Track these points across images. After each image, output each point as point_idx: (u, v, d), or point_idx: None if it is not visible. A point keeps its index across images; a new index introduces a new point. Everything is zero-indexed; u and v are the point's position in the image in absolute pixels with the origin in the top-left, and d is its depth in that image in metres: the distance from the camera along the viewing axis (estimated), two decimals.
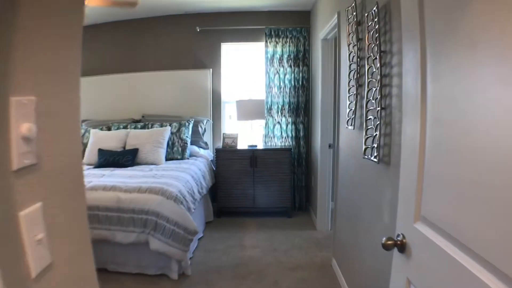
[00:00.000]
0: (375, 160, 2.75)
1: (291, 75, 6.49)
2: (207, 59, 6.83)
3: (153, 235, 4.08)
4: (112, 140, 6.01)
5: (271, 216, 6.29)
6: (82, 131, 6.47)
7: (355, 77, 3.38)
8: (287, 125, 6.60)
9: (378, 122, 2.72)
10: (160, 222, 4.08)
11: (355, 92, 3.38)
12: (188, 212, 4.35)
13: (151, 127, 6.25)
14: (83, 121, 6.88)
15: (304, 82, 6.52)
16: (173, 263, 4.21)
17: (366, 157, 2.95)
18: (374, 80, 2.84)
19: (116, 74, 6.96)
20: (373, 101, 2.85)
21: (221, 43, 6.83)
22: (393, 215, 2.46)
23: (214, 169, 6.43)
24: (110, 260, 4.36)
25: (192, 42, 6.84)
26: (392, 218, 2.52)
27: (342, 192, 4.13)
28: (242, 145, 6.49)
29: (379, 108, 2.71)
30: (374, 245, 2.94)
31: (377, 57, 2.75)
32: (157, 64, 6.89)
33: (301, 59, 6.49)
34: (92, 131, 6.29)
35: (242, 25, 6.69)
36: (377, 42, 2.74)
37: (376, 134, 2.74)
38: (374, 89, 2.83)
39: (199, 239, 5.33)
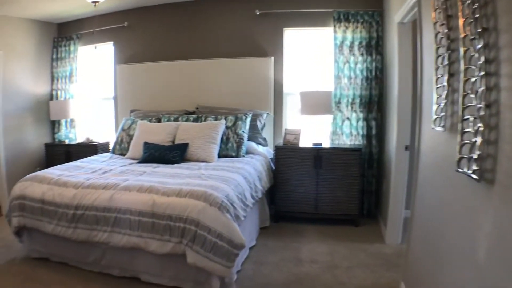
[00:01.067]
0: (475, 176, 1.96)
1: (363, 64, 5.75)
2: (268, 46, 6.19)
3: (191, 247, 3.50)
4: (160, 133, 5.54)
5: (334, 224, 5.57)
6: (129, 122, 6.04)
7: (444, 64, 2.59)
8: (357, 122, 5.86)
9: (480, 124, 1.93)
10: (200, 232, 3.49)
11: (445, 84, 2.58)
12: (237, 221, 3.72)
13: (205, 120, 5.71)
14: (132, 111, 6.48)
15: (378, 73, 5.75)
16: (214, 278, 3.60)
17: (460, 170, 2.15)
18: (473, 67, 2.05)
19: (169, 61, 6.51)
20: (473, 96, 2.05)
21: (284, 28, 6.16)
22: (492, 258, 1.78)
23: (273, 168, 5.76)
24: (143, 270, 3.92)
25: (252, 27, 6.24)
26: (491, 261, 1.80)
27: (421, 206, 3.32)
28: (305, 142, 5.78)
29: (481, 105, 1.92)
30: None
31: (477, 36, 1.96)
32: (213, 51, 6.34)
33: (374, 46, 5.73)
34: (139, 122, 5.84)
35: (307, 8, 5.98)
36: (476, 16, 1.96)
37: (477, 141, 1.96)
38: (474, 79, 2.04)
39: (251, 248, 4.71)
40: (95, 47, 7.00)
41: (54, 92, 7.41)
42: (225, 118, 5.61)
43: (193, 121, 5.73)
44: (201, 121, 5.70)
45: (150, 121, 5.92)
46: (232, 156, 5.40)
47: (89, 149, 6.58)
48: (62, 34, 7.43)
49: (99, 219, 3.89)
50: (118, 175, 4.53)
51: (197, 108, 6.20)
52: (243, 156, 5.43)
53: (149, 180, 4.18)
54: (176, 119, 5.84)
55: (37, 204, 4.32)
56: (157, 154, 5.17)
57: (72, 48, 7.13)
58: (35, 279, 4.18)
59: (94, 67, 7.39)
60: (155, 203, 3.68)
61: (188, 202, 3.62)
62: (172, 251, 3.58)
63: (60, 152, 6.87)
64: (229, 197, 3.81)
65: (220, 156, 5.37)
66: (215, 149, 5.31)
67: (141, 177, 4.34)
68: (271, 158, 5.88)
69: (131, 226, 3.73)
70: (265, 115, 6.01)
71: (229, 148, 5.44)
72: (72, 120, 7.30)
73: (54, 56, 7.36)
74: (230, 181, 4.18)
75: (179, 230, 3.54)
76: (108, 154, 6.04)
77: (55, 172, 4.77)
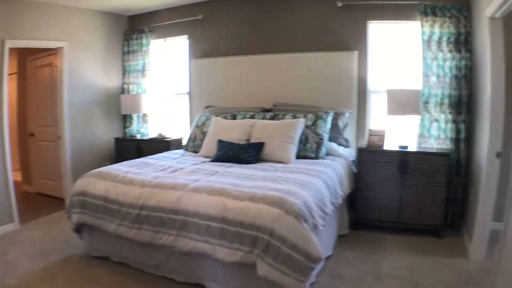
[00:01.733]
0: None
1: (452, 61, 5.12)
2: (351, 40, 5.68)
3: (263, 258, 3.10)
4: (235, 130, 5.20)
5: (416, 235, 5.00)
6: (203, 118, 5.74)
7: None
8: (446, 124, 5.24)
9: None
10: (273, 243, 3.08)
11: None
12: (314, 231, 3.27)
13: (282, 118, 5.29)
14: (206, 107, 6.18)
15: (467, 72, 5.11)
16: None
17: None
18: None
19: (245, 55, 6.15)
20: None
21: (367, 21, 5.64)
22: None
23: (355, 172, 5.27)
24: (209, 277, 3.66)
25: (333, 19, 5.75)
26: None
27: None
28: (389, 145, 5.25)
29: None
30: None
31: None
32: (292, 45, 5.91)
33: (463, 43, 5.09)
34: (214, 119, 5.53)
35: (391, 0, 5.42)
36: None
37: None
38: None
39: (327, 258, 4.26)
40: (165, 40, 6.81)
41: (125, 86, 7.25)
42: (304, 117, 5.19)
43: (269, 119, 5.36)
44: (278, 119, 5.30)
45: (225, 117, 5.61)
46: (311, 158, 4.95)
47: (161, 145, 6.37)
48: (133, 26, 7.27)
49: (165, 221, 3.60)
50: (188, 175, 4.23)
51: (274, 105, 5.80)
52: (323, 158, 4.97)
53: (221, 181, 3.83)
54: (252, 117, 5.50)
55: (99, 201, 4.11)
56: (231, 153, 4.84)
57: (144, 41, 6.92)
58: (92, 279, 4.00)
59: (168, 61, 7.15)
60: (226, 207, 3.33)
61: (262, 208, 3.23)
62: (241, 260, 3.22)
63: (131, 147, 6.72)
64: (307, 205, 3.37)
65: (298, 157, 4.94)
66: (293, 149, 4.89)
67: (213, 178, 4.01)
68: (352, 161, 5.38)
69: (198, 230, 3.41)
70: (347, 114, 5.52)
71: (308, 149, 5.00)
72: (144, 115, 7.11)
73: (126, 50, 7.20)
74: (309, 186, 3.74)
75: (250, 239, 3.16)
76: (180, 151, 5.81)
77: (122, 168, 4.55)
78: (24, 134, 7.68)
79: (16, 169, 8.57)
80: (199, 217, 3.40)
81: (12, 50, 7.08)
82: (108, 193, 4.07)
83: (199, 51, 6.66)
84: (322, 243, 3.52)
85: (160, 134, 6.63)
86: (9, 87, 8.60)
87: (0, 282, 3.99)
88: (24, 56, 7.58)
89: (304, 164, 4.62)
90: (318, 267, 3.76)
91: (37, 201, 7.15)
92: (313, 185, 3.81)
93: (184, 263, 3.71)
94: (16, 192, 7.58)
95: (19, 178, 8.17)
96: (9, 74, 8.50)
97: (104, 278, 3.98)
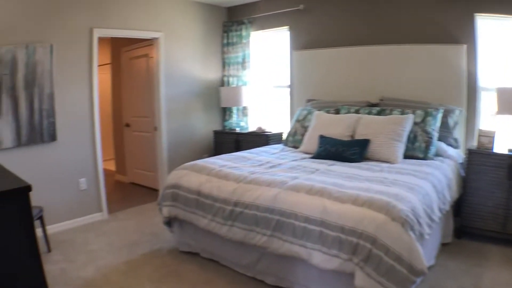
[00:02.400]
0: None
1: None
2: (459, 33, 5.16)
3: (363, 268, 2.80)
4: (338, 125, 4.90)
5: None
6: (305, 112, 5.53)
7: None
8: None
9: None
10: (375, 252, 2.77)
11: None
12: (420, 241, 2.93)
13: (390, 114, 4.92)
14: (308, 100, 5.95)
15: None
16: None
17: None
18: None
19: (349, 47, 5.78)
20: None
21: (475, 14, 5.12)
22: None
23: (463, 175, 4.80)
24: (301, 282, 3.39)
25: (439, 10, 5.24)
26: None
27: None
28: (499, 147, 4.70)
29: None
30: None
31: None
32: (398, 36, 5.46)
33: None
34: (316, 113, 5.28)
35: None
36: None
37: None
38: None
39: (429, 268, 3.92)
40: (264, 31, 6.66)
41: (225, 79, 7.16)
42: (413, 113, 4.79)
43: (376, 114, 5.00)
44: (385, 115, 4.94)
45: (327, 112, 5.32)
46: (418, 158, 4.56)
47: (260, 139, 6.20)
48: (232, 18, 7.15)
49: (259, 220, 3.40)
50: (287, 171, 4.00)
51: (381, 100, 5.41)
52: (432, 159, 4.55)
53: (322, 180, 3.56)
54: (356, 111, 5.16)
55: (192, 195, 4.00)
56: (334, 150, 4.56)
57: (244, 33, 6.79)
58: (178, 275, 3.90)
59: (269, 53, 6.96)
60: (326, 209, 3.06)
61: (365, 213, 2.92)
62: (338, 268, 2.94)
63: (230, 141, 6.61)
64: (415, 211, 3.02)
65: (405, 156, 4.58)
66: (401, 148, 4.52)
67: (313, 176, 3.74)
68: (460, 163, 4.91)
69: (294, 232, 3.16)
70: (457, 112, 5.02)
71: (416, 148, 4.60)
72: (244, 108, 6.99)
73: (225, 41, 7.10)
74: (417, 190, 3.38)
75: (350, 246, 2.87)
76: (279, 146, 5.61)
77: (218, 162, 4.42)
78: (119, 124, 7.84)
79: (110, 159, 8.86)
80: (295, 218, 3.17)
81: (104, 40, 7.23)
82: (201, 187, 3.95)
83: (300, 43, 6.40)
84: (425, 252, 3.17)
85: (259, 128, 6.45)
86: (104, 77, 9.00)
87: (77, 274, 4.00)
88: (117, 46, 7.73)
89: (412, 164, 4.25)
90: (419, 279, 3.47)
91: (130, 191, 7.26)
92: (421, 188, 3.45)
93: (276, 265, 3.50)
94: (109, 181, 7.85)
95: (113, 167, 8.41)
96: (103, 65, 8.87)
97: (191, 275, 3.88)
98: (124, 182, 7.89)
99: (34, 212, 4.34)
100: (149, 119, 6.84)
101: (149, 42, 6.54)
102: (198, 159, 5.00)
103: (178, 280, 3.78)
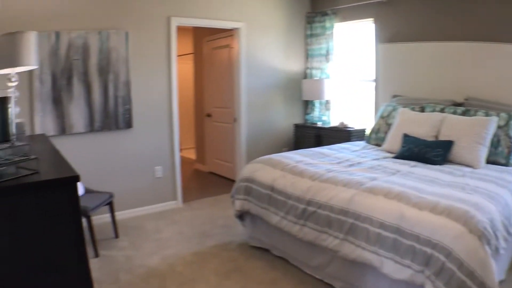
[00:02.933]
0: None
1: None
2: None
3: (433, 282, 2.54)
4: (422, 125, 4.58)
5: None
6: (389, 108, 5.24)
7: None
8: None
9: None
10: (448, 265, 2.50)
11: None
12: (494, 256, 2.62)
13: (474, 115, 4.54)
14: (393, 96, 5.64)
15: None
16: None
17: None
18: None
19: (435, 42, 5.36)
20: None
21: None
22: None
23: None
24: None
25: None
26: None
27: None
28: None
29: None
30: None
31: None
32: (488, 33, 4.98)
33: None
34: (400, 110, 4.98)
35: None
36: None
37: None
38: None
39: (499, 282, 3.56)
40: (348, 23, 6.38)
41: (308, 71, 6.96)
42: (497, 115, 4.38)
43: (460, 115, 4.63)
44: (469, 116, 4.56)
45: (412, 109, 5.00)
46: (500, 164, 4.17)
47: (342, 134, 5.95)
48: (315, 9, 6.89)
49: (332, 221, 3.21)
50: (366, 171, 3.78)
51: (466, 100, 4.99)
52: None
53: (401, 183, 3.31)
54: (441, 110, 4.80)
55: (266, 190, 3.87)
56: (417, 150, 4.27)
57: (327, 24, 6.54)
58: (244, 271, 3.80)
59: (353, 46, 6.67)
60: (403, 215, 2.81)
61: (442, 222, 2.65)
62: (409, 279, 2.70)
63: (310, 135, 6.41)
64: (493, 223, 2.72)
65: (486, 161, 4.19)
66: (484, 152, 4.15)
67: (393, 178, 3.50)
68: None
69: (367, 238, 2.95)
70: None
71: (499, 153, 4.20)
72: (327, 102, 6.74)
73: (308, 33, 6.90)
74: (497, 200, 3.05)
75: (424, 257, 2.62)
76: (361, 143, 5.36)
77: (294, 157, 4.26)
78: (201, 114, 7.87)
79: (191, 147, 8.95)
80: (370, 222, 2.95)
81: (187, 30, 7.21)
82: (275, 182, 3.82)
83: (386, 36, 6.03)
84: (497, 266, 2.82)
85: (342, 123, 6.19)
86: (187, 67, 9.14)
87: (142, 261, 4.00)
88: (200, 36, 7.75)
89: (494, 171, 3.87)
90: None
91: (208, 180, 7.27)
92: (501, 198, 3.11)
93: (346, 270, 3.29)
94: (188, 170, 7.92)
95: (193, 156, 8.48)
96: (186, 54, 9.04)
97: (258, 272, 3.76)
98: (203, 171, 7.93)
99: (104, 197, 4.43)
100: (230, 110, 6.79)
101: (230, 33, 6.47)
102: (277, 152, 4.89)
103: (243, 276, 3.67)
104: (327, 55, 6.57)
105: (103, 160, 5.06)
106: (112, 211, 4.55)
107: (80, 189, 4.47)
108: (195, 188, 6.66)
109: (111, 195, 4.52)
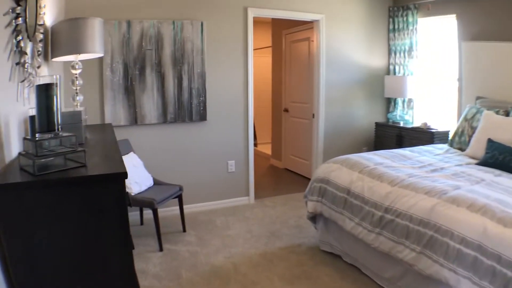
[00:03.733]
0: None
1: None
2: None
3: None
4: (507, 130, 4.11)
5: None
6: (474, 110, 4.78)
7: None
8: None
9: None
10: None
11: None
12: None
13: None
14: (477, 98, 5.16)
15: None
16: None
17: None
18: None
19: None
20: None
21: None
22: None
23: None
24: None
25: None
26: None
27: None
28: None
29: None
30: None
31: None
32: None
33: None
34: (485, 113, 4.52)
35: None
36: None
37: None
38: None
39: None
40: (428, 8, 5.90)
41: (391, 67, 6.56)
42: None
43: None
44: None
45: (497, 113, 4.51)
46: None
47: (424, 136, 5.53)
48: (398, 3, 6.45)
49: (411, 232, 2.89)
50: (449, 178, 3.41)
51: None
52: None
53: (486, 194, 2.92)
54: None
55: (341, 193, 3.62)
56: (501, 158, 3.81)
57: (410, 19, 6.13)
58: (312, 277, 3.55)
59: (436, 42, 6.20)
60: (486, 232, 2.45)
61: None
62: None
63: (391, 135, 6.04)
64: None
65: None
66: None
67: (477, 188, 3.11)
68: None
69: (447, 253, 2.60)
70: None
71: None
72: (409, 100, 6.33)
73: (391, 27, 6.50)
74: None
75: (503, 280, 2.27)
76: (444, 146, 4.89)
77: (373, 159, 3.95)
78: (278, 109, 7.68)
79: (267, 142, 8.79)
80: (451, 237, 2.61)
81: (265, 23, 6.99)
82: (352, 185, 3.55)
83: (469, 33, 5.49)
84: None
85: (424, 124, 5.74)
86: (265, 60, 8.99)
87: (207, 259, 3.87)
88: (279, 29, 7.55)
89: None
90: None
91: (282, 177, 7.07)
92: None
93: (419, 285, 2.96)
94: (263, 165, 7.76)
95: (269, 151, 8.30)
96: (264, 48, 8.94)
97: (326, 280, 3.49)
98: (278, 167, 7.73)
99: (173, 190, 4.35)
100: (308, 105, 6.54)
101: (310, 25, 6.24)
102: (355, 152, 4.60)
103: (310, 283, 3.43)
104: (409, 51, 6.16)
105: (175, 152, 4.99)
106: (181, 204, 4.46)
107: (150, 180, 4.41)
108: (268, 185, 6.48)
109: (180, 188, 4.43)
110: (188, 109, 4.93)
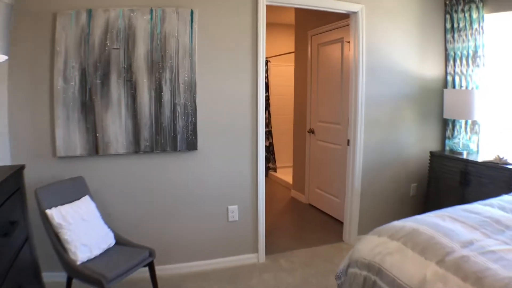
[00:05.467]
0: None
1: None
2: None
3: None
4: None
5: None
6: None
7: None
8: None
9: None
10: None
11: None
12: None
13: None
14: None
15: None
16: None
17: None
18: None
19: None
20: None
21: None
22: None
23: None
24: None
25: None
26: None
27: None
28: None
29: None
30: None
31: None
32: None
33: None
34: None
35: None
36: None
37: None
38: None
39: None
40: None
41: (449, 78, 4.94)
42: None
43: None
44: None
45: None
46: None
47: (499, 174, 3.85)
48: None
49: None
50: None
51: None
52: None
53: None
54: None
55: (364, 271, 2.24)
56: None
57: (474, 15, 4.53)
58: None
59: (511, 45, 4.53)
60: None
61: None
62: None
63: (452, 170, 4.37)
64: None
65: None
66: None
67: None
68: None
69: None
70: None
71: None
72: (473, 123, 4.68)
73: (448, 26, 4.89)
74: None
75: None
76: None
77: (456, 232, 2.33)
78: (302, 129, 6.16)
79: (287, 166, 7.70)
80: None
81: (285, 26, 5.61)
82: (383, 262, 2.18)
83: None
84: None
85: (498, 157, 4.03)
86: (286, 70, 7.70)
87: None
88: (303, 30, 6.06)
89: None
90: None
91: (307, 218, 5.49)
92: None
93: None
94: (283, 197, 6.33)
95: (290, 179, 6.78)
96: (285, 54, 7.55)
97: None
98: (301, 202, 6.20)
99: (139, 258, 2.92)
100: (341, 127, 5.06)
101: (345, 22, 4.78)
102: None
103: None
104: (474, 57, 4.56)
105: (152, 194, 3.54)
106: (152, 274, 3.05)
107: (109, 239, 3.00)
108: (286, 230, 4.96)
109: (151, 253, 3.00)
110: (170, 134, 3.46)
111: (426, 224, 2.42)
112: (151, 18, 3.33)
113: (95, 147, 3.30)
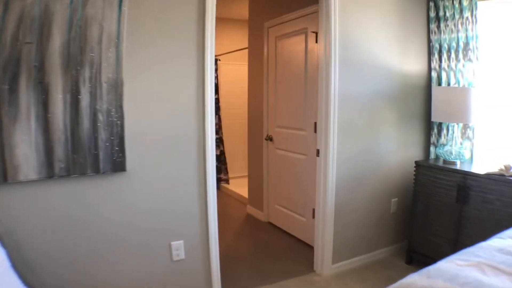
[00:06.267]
0: None
1: None
2: None
3: None
4: None
5: None
6: None
7: None
8: None
9: None
10: None
11: None
12: None
13: None
14: None
15: None
16: None
17: None
18: None
19: None
20: None
21: None
22: None
23: None
24: None
25: None
26: None
27: None
28: None
29: None
30: None
31: None
32: None
33: None
34: None
35: None
36: None
37: None
38: None
39: None
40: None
41: (433, 74, 4.25)
42: None
43: None
44: None
45: None
46: None
47: (507, 188, 3.13)
48: None
49: None
50: None
51: None
52: None
53: None
54: None
55: None
56: None
57: (464, 2, 3.87)
58: None
59: (509, 37, 3.87)
60: None
61: None
62: None
63: (446, 185, 3.60)
64: None
65: None
66: None
67: None
68: None
69: None
70: None
71: None
72: (464, 126, 3.99)
73: (432, 15, 4.22)
74: None
75: None
76: None
77: (459, 275, 1.65)
78: (258, 136, 5.35)
79: (241, 176, 7.17)
80: None
81: (235, 20, 5.01)
82: None
83: None
84: None
85: (504, 167, 3.25)
86: (239, 70, 7.01)
87: None
88: (258, 21, 5.30)
89: None
90: None
91: (267, 241, 4.65)
92: None
93: None
94: (238, 213, 5.66)
95: (245, 192, 5.97)
96: (236, 51, 6.78)
97: None
98: (259, 220, 5.37)
99: None
100: (306, 133, 4.30)
101: (310, 9, 4.06)
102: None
103: None
104: (465, 50, 3.90)
105: (71, 232, 2.61)
106: None
107: None
108: (245, 260, 4.11)
109: None
110: (91, 151, 2.56)
111: (465, 283, 1.62)
112: (71, 2, 2.44)
113: (3, 172, 2.37)
